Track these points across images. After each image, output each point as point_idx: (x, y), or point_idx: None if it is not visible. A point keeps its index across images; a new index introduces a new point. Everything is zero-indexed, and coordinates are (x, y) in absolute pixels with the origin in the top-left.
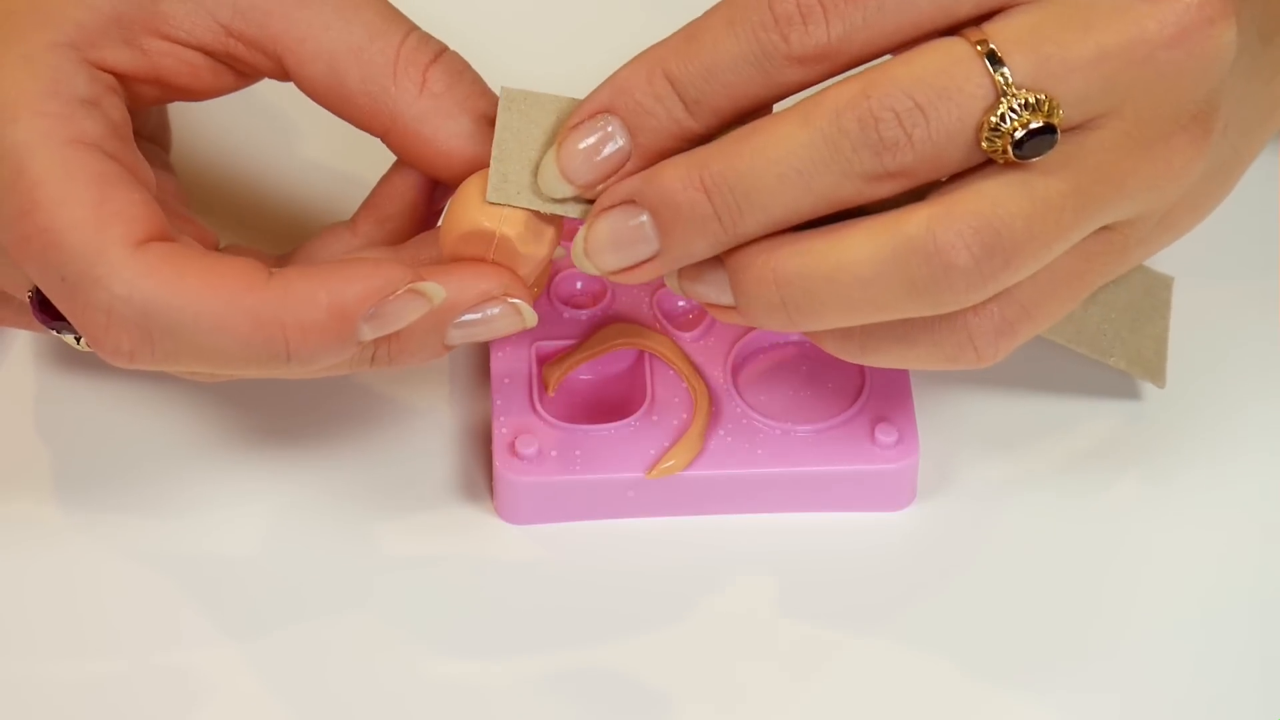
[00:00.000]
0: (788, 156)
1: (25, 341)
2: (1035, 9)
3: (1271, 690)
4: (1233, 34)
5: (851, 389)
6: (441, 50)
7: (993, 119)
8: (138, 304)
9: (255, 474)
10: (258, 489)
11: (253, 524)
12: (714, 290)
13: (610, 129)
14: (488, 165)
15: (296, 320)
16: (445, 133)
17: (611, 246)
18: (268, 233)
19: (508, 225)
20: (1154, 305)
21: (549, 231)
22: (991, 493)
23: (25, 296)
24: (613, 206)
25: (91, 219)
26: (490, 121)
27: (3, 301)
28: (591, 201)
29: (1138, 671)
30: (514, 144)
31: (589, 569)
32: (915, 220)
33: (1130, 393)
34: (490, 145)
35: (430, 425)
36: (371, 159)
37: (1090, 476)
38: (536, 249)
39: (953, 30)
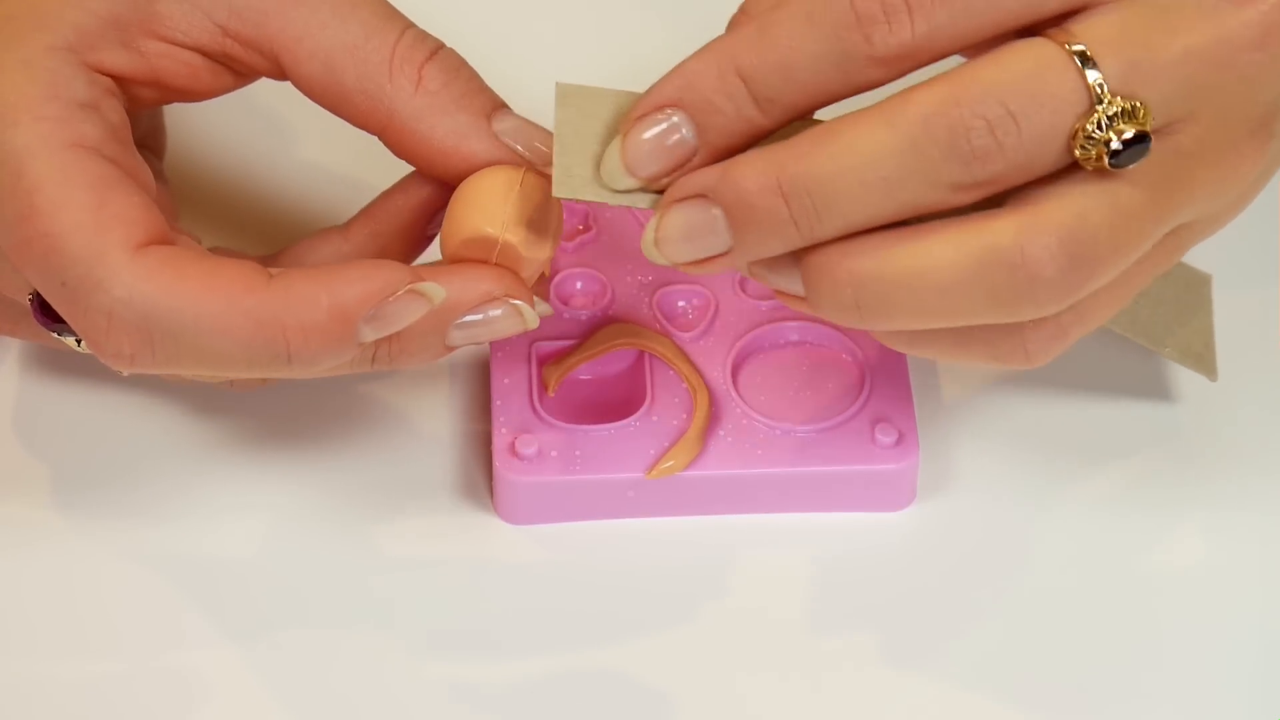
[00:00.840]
0: (871, 163)
1: (23, 345)
2: (1119, 9)
3: (1274, 691)
4: None
5: (851, 389)
6: (438, 47)
7: (1088, 126)
8: (138, 307)
9: (255, 475)
10: (257, 490)
11: (252, 525)
12: (785, 281)
13: (677, 122)
14: (485, 165)
15: (298, 322)
16: (441, 130)
17: (683, 239)
18: (263, 235)
19: (510, 231)
20: (1197, 300)
21: (553, 230)
22: (992, 493)
23: (25, 300)
24: (685, 199)
25: (91, 223)
26: (487, 118)
27: (5, 309)
28: (661, 191)
29: (1138, 671)
30: (574, 139)
31: (589, 569)
32: (1001, 230)
33: (1131, 392)
34: (491, 141)
35: (430, 425)
36: (368, 162)
37: (1090, 476)
38: (539, 251)
39: (1036, 28)
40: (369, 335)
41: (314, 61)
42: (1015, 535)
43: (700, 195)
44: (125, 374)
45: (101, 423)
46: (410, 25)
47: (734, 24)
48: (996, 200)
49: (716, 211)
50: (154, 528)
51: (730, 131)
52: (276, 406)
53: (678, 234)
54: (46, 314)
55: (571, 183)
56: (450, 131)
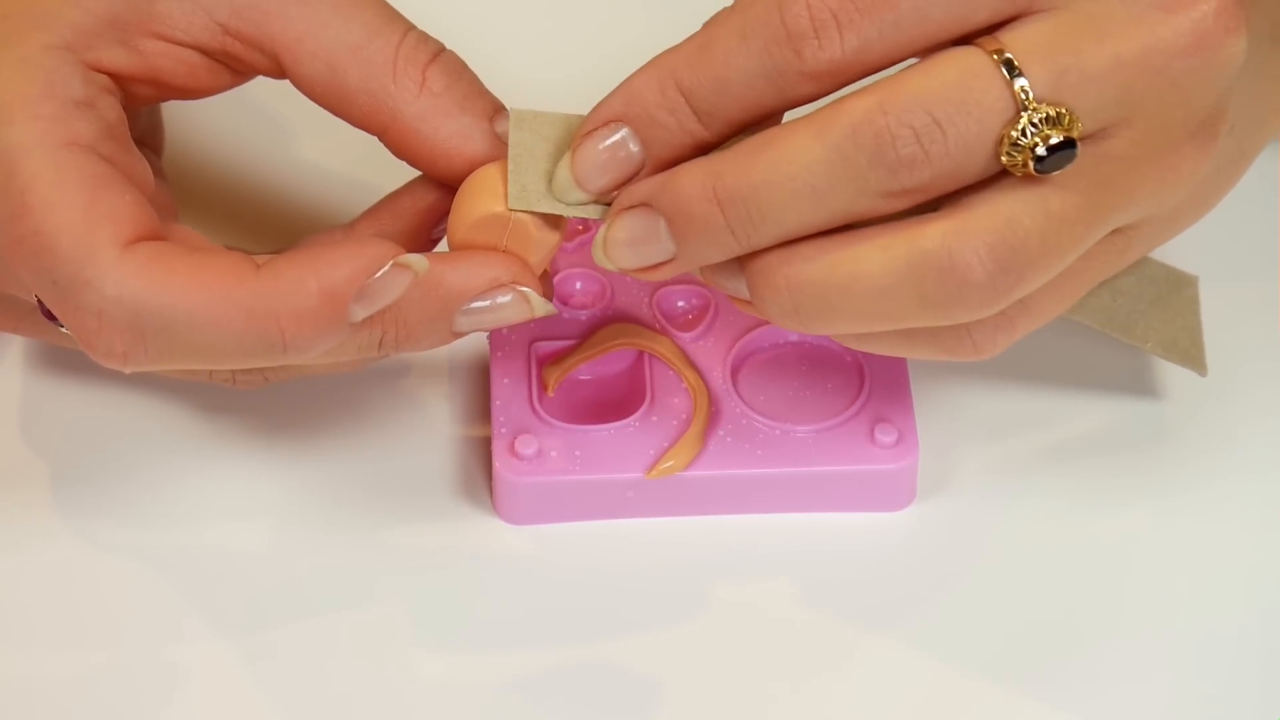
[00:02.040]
0: (802, 172)
1: (23, 342)
2: (1049, 18)
3: (1272, 690)
4: (1244, 42)
5: (851, 389)
6: (440, 50)
7: (1013, 133)
8: (128, 305)
9: (254, 474)
10: (257, 488)
11: (252, 524)
12: (733, 285)
13: (622, 137)
14: (493, 160)
15: (289, 309)
16: (445, 131)
17: (628, 247)
18: (263, 234)
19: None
20: (1183, 301)
21: (559, 220)
22: (992, 492)
23: (30, 298)
24: (630, 208)
25: (81, 221)
26: (489, 120)
27: (7, 307)
28: (610, 203)
29: (1139, 671)
30: (528, 159)
31: (589, 569)
32: (930, 235)
33: (1131, 392)
34: (492, 143)
35: (430, 425)
36: (368, 161)
37: (1090, 476)
38: (550, 234)
39: (967, 39)
40: (359, 314)
41: (316, 61)
42: (1015, 535)
43: (644, 204)
44: (127, 371)
45: (102, 420)
46: (412, 27)
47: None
48: (933, 207)
49: (659, 219)
50: (154, 526)
51: (674, 144)
52: (277, 405)
53: (623, 241)
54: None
55: (526, 197)
56: (454, 133)
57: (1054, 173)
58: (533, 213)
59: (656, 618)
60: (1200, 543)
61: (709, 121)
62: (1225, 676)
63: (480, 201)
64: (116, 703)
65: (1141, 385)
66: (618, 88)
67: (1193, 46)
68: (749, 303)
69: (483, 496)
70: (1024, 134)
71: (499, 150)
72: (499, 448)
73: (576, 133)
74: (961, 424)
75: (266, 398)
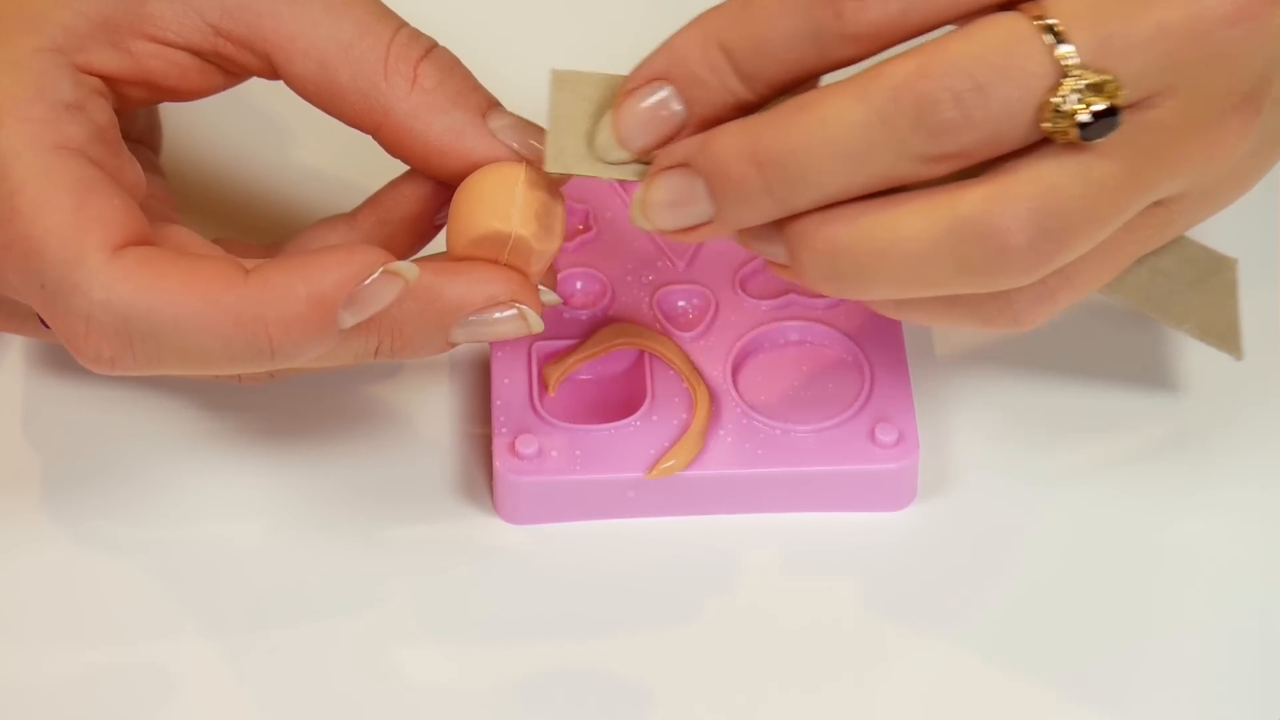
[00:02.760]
0: (842, 136)
1: (23, 342)
2: None
3: (1277, 687)
4: None
5: (851, 389)
6: (432, 46)
7: (1055, 100)
8: (116, 309)
9: (254, 473)
10: (256, 487)
11: (251, 522)
12: (771, 249)
13: (665, 95)
14: (482, 162)
15: (277, 315)
16: (438, 128)
17: (667, 207)
18: (260, 234)
19: (522, 226)
20: (1222, 284)
21: (558, 224)
22: (992, 492)
23: (25, 298)
24: (669, 168)
25: (69, 225)
26: (483, 115)
27: (9, 310)
28: (649, 164)
29: (1140, 671)
30: (567, 120)
31: (589, 569)
32: (971, 200)
33: (1134, 392)
34: (486, 139)
35: (430, 425)
36: (365, 160)
37: (1092, 476)
38: (549, 244)
39: (1010, 4)
40: (349, 320)
41: (307, 60)
42: (1015, 535)
43: (683, 164)
44: (114, 375)
45: (102, 419)
46: (404, 24)
47: None
48: (975, 173)
49: (698, 180)
50: (153, 525)
51: (717, 103)
52: (276, 406)
53: (662, 201)
54: None
55: (564, 159)
56: (446, 129)
57: (1097, 140)
58: (532, 224)
59: (656, 618)
60: (1205, 542)
61: (751, 82)
62: (1233, 675)
63: (479, 218)
64: (115, 701)
65: (1146, 386)
66: (660, 47)
67: (1237, 15)
68: (787, 267)
69: (483, 496)
70: (1066, 100)
71: (493, 146)
72: (499, 447)
73: (619, 91)
74: (961, 424)
75: (266, 397)
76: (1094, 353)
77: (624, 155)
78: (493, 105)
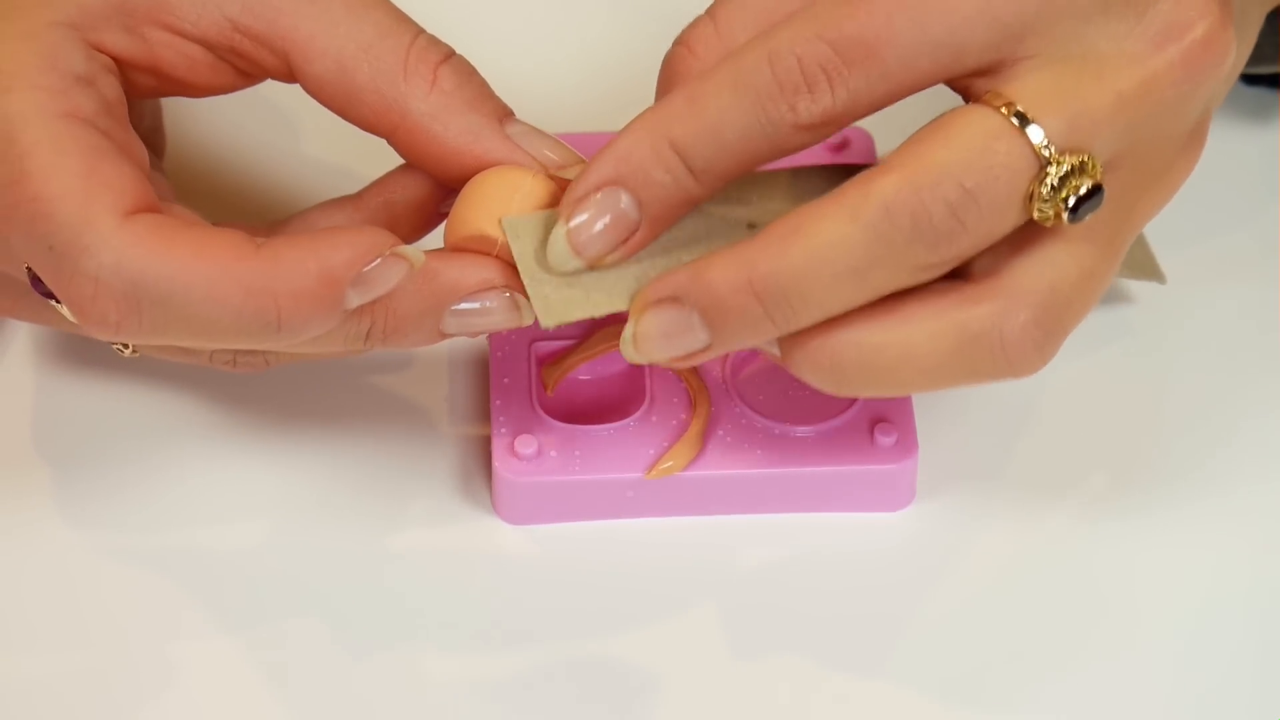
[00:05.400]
0: (841, 255)
1: (27, 332)
2: (1041, 65)
3: (1269, 695)
4: (1232, 44)
5: None
6: (450, 53)
7: (1042, 189)
8: (126, 273)
9: (253, 472)
10: (256, 486)
11: (251, 521)
12: (766, 345)
13: (615, 200)
14: (494, 164)
15: (288, 288)
16: (456, 129)
17: (661, 339)
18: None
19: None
20: None
21: None
22: (991, 493)
23: (24, 275)
24: (659, 301)
25: (80, 189)
26: (499, 121)
27: (5, 286)
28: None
29: (1136, 673)
30: (537, 266)
31: (588, 569)
32: (979, 317)
33: (1130, 393)
34: (503, 143)
35: (430, 425)
36: (370, 157)
37: (1090, 478)
38: None
39: (956, 81)
40: (354, 300)
41: (326, 59)
42: (1014, 535)
43: (673, 298)
44: (127, 354)
45: (101, 414)
46: (422, 30)
47: (663, 84)
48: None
49: (692, 312)
50: (151, 524)
51: (670, 202)
52: (276, 405)
53: (655, 335)
54: (44, 284)
55: (554, 310)
56: (464, 130)
57: (1086, 218)
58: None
59: (656, 618)
60: (1202, 545)
61: (703, 177)
62: (1225, 681)
63: (475, 217)
64: (115, 698)
65: (1143, 388)
66: (604, 151)
67: (1184, 73)
68: (781, 359)
69: (482, 496)
70: (1052, 188)
71: (510, 149)
72: (499, 447)
73: (566, 198)
74: (961, 424)
75: (266, 395)
76: (1094, 355)
77: (579, 264)
78: (508, 113)
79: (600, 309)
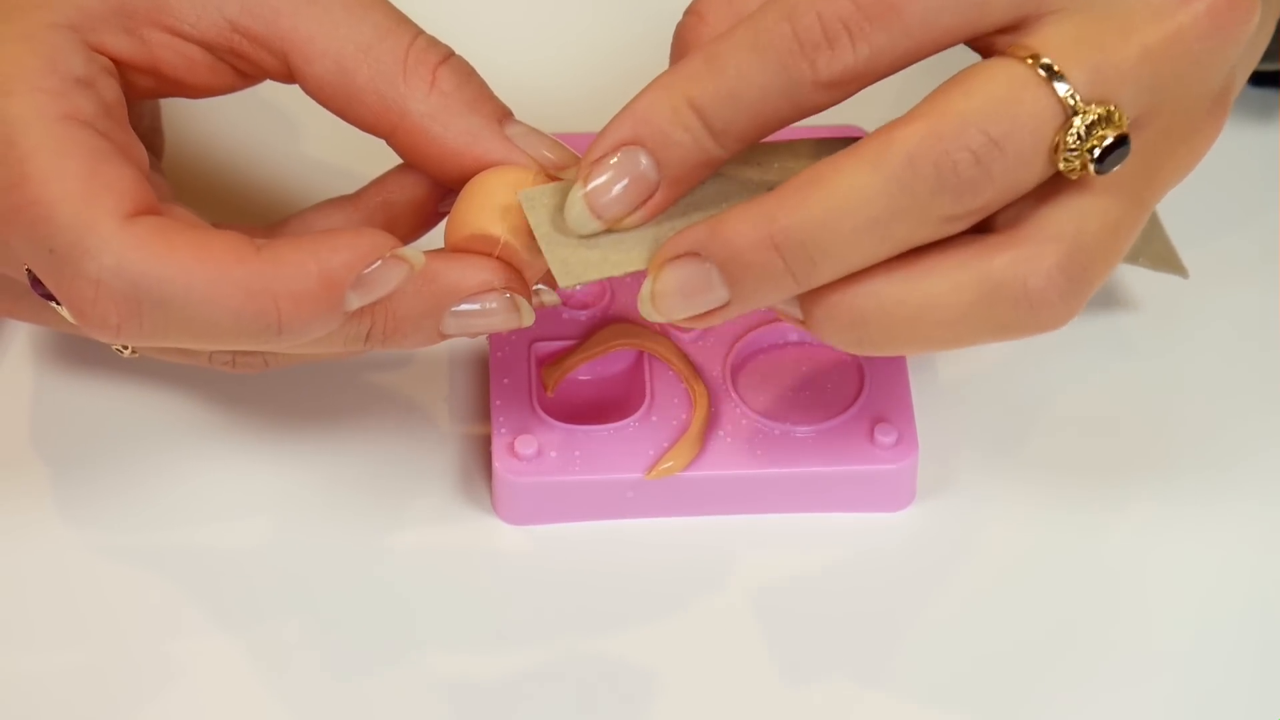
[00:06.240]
0: (862, 206)
1: (27, 332)
2: (1066, 18)
3: (1269, 696)
4: (1257, 4)
5: (851, 389)
6: (449, 54)
7: (1068, 139)
8: (127, 275)
9: (253, 471)
10: (256, 486)
11: (250, 521)
12: (786, 308)
13: (634, 161)
14: (493, 165)
15: (288, 290)
16: (455, 129)
17: (679, 296)
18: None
19: (514, 234)
20: (1150, 219)
21: None
22: (991, 493)
23: (24, 276)
24: (678, 257)
25: (81, 191)
26: (499, 122)
27: (5, 287)
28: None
29: (1137, 672)
30: (555, 232)
31: (588, 569)
32: (1001, 265)
33: (1132, 394)
34: (503, 143)
35: (430, 425)
36: (373, 162)
37: (1090, 477)
38: (538, 257)
39: (979, 40)
40: (355, 302)
41: (325, 60)
42: (1015, 535)
43: (692, 253)
44: (126, 354)
45: (101, 414)
46: (422, 31)
47: (677, 54)
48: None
49: (711, 268)
50: (151, 523)
51: (689, 163)
52: (276, 405)
53: (673, 291)
54: (44, 286)
55: (572, 270)
56: (464, 131)
57: (1112, 171)
58: (524, 233)
59: (656, 618)
60: (1203, 544)
61: (723, 138)
62: (1228, 679)
63: (474, 218)
64: (114, 697)
65: (1144, 389)
66: (623, 112)
67: (1210, 28)
68: (800, 319)
69: (482, 496)
70: (1079, 138)
71: (509, 150)
72: (499, 448)
73: (584, 160)
74: (961, 424)
75: (266, 395)
76: (1095, 355)
77: (598, 226)
78: (507, 114)
79: (619, 269)
